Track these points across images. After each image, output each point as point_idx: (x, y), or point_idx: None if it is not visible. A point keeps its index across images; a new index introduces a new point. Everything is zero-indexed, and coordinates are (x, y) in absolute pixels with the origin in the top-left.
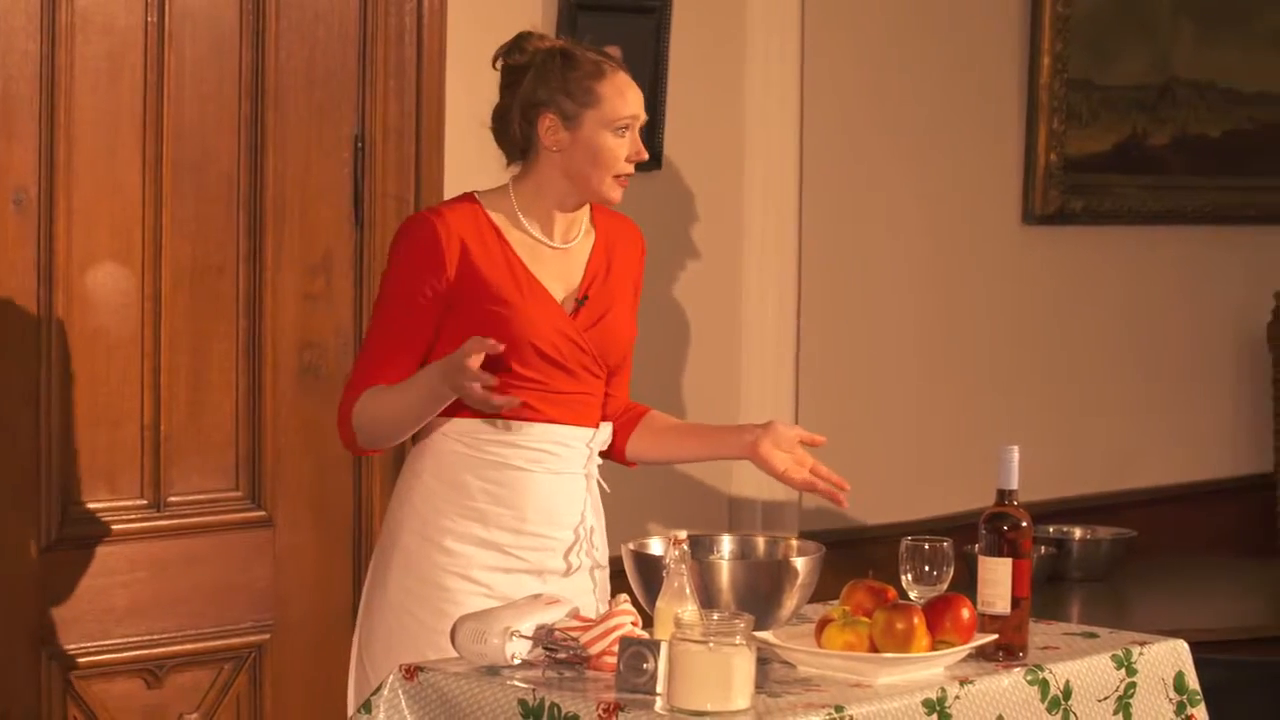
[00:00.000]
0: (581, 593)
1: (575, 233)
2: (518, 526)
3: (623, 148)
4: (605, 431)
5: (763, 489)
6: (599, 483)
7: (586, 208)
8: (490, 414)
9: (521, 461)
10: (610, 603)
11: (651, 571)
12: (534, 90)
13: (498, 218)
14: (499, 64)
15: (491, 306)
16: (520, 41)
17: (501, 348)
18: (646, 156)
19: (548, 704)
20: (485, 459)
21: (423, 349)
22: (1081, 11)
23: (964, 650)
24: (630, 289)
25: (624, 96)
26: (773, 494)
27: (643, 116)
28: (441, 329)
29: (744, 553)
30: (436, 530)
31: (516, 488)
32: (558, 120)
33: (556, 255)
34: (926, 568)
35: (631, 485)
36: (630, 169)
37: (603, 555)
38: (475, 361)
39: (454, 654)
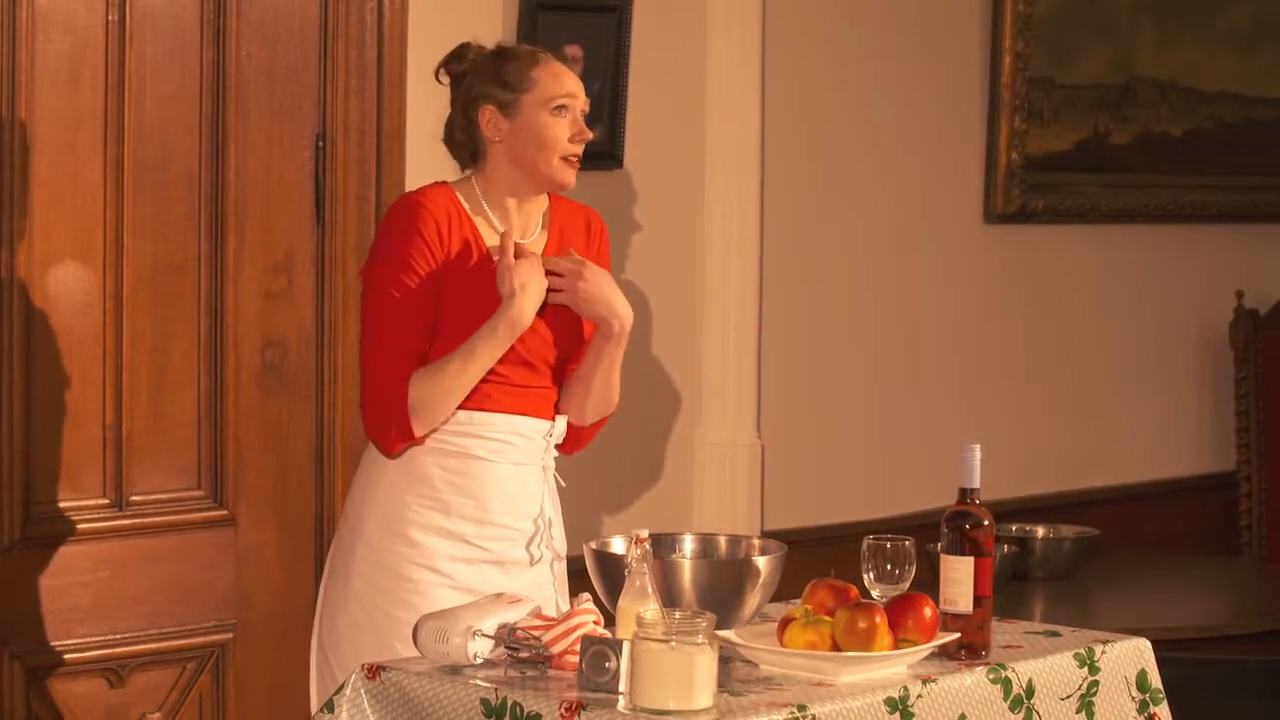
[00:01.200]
0: (543, 585)
1: (533, 229)
2: (480, 516)
3: (563, 127)
4: (561, 424)
5: (725, 486)
6: (555, 476)
7: (545, 204)
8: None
9: (483, 452)
10: (572, 601)
11: (613, 570)
12: (470, 88)
13: (467, 205)
14: (441, 76)
15: (460, 297)
16: (459, 51)
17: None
18: (590, 136)
19: (510, 703)
20: (447, 449)
21: (430, 329)
22: (1043, 10)
23: (926, 649)
24: None
25: (558, 78)
26: (735, 491)
27: (581, 98)
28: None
29: (706, 551)
30: (400, 522)
31: (478, 477)
32: (496, 111)
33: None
34: (888, 566)
35: (593, 483)
36: (577, 149)
37: (561, 547)
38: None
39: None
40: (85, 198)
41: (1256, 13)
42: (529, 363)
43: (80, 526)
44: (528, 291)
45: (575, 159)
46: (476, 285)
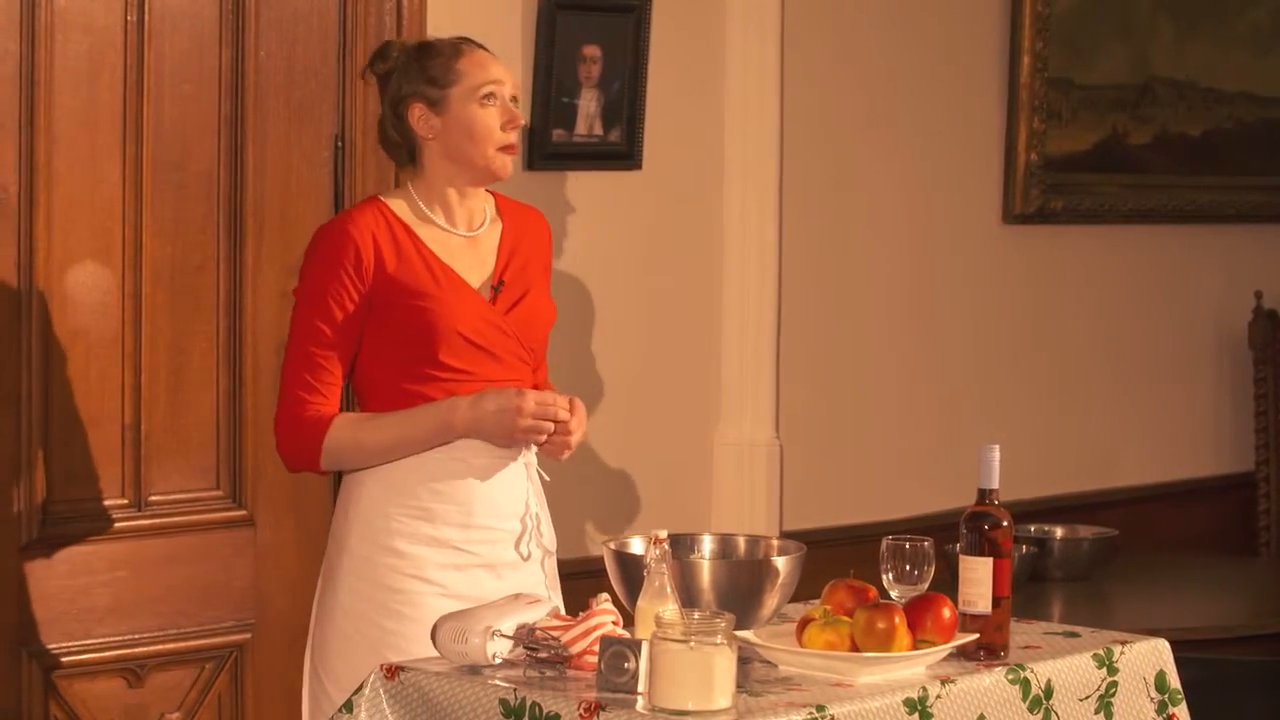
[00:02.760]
0: (535, 583)
1: (480, 220)
2: (465, 521)
3: (494, 116)
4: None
5: (744, 486)
6: (539, 472)
7: (488, 196)
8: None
9: (462, 455)
10: (591, 602)
11: (632, 570)
12: (399, 87)
13: (404, 214)
14: (367, 75)
15: (412, 301)
16: (383, 49)
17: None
18: (522, 121)
19: (529, 703)
20: (426, 457)
21: (352, 354)
22: (1062, 11)
23: (945, 649)
24: (542, 272)
25: (484, 67)
26: (754, 491)
27: (509, 83)
28: (364, 332)
29: (725, 552)
30: (385, 534)
31: (460, 482)
32: (425, 108)
33: (466, 244)
34: (907, 567)
35: (612, 483)
36: (511, 138)
37: (550, 543)
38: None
39: (423, 655)
40: (104, 198)
41: (1275, 13)
42: (494, 355)
43: (99, 526)
44: (514, 437)
45: (511, 148)
46: (421, 294)
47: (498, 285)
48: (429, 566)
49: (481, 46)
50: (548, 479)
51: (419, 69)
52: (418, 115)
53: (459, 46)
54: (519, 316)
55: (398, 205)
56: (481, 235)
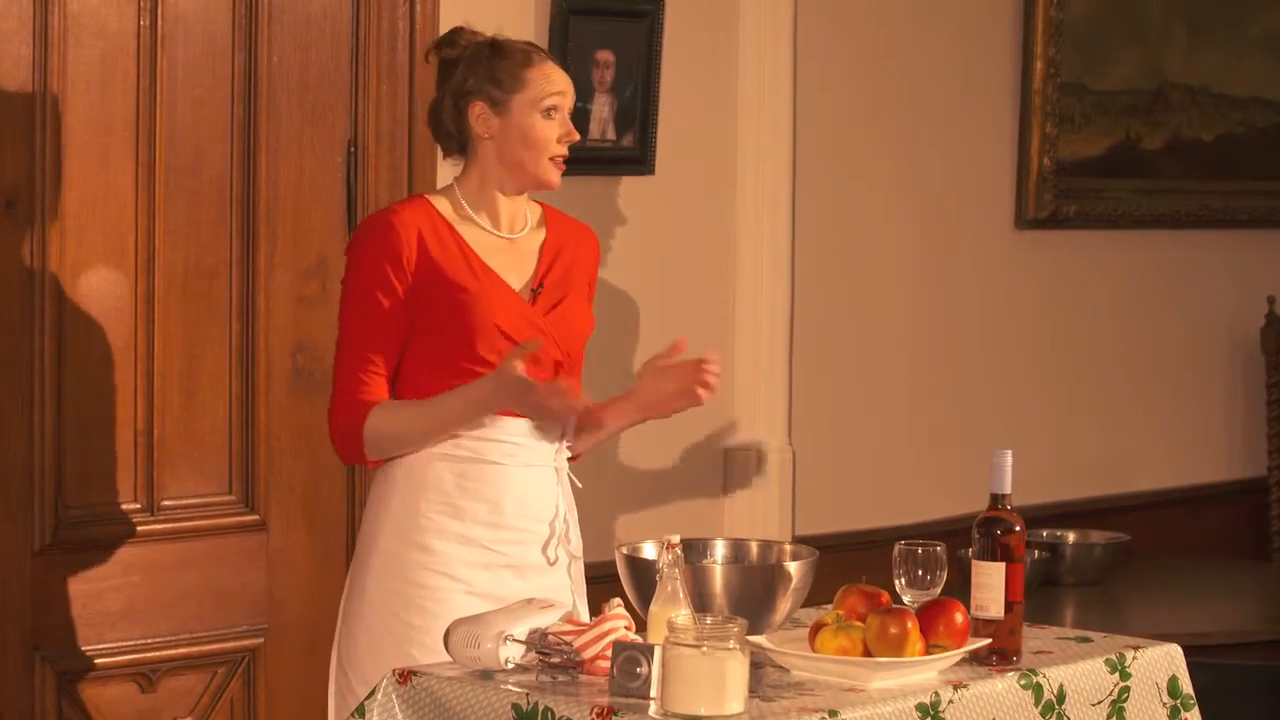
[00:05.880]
0: (560, 588)
1: (523, 223)
2: (495, 520)
3: (552, 129)
4: (570, 425)
5: (757, 491)
6: (570, 477)
7: (533, 203)
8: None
9: (496, 455)
10: (604, 607)
11: (645, 575)
12: (464, 81)
13: (448, 213)
14: (431, 58)
15: (452, 294)
16: (452, 36)
17: (540, 343)
18: (577, 137)
19: (541, 708)
20: (459, 454)
21: (399, 347)
22: (1074, 16)
23: (958, 654)
24: (584, 283)
25: (550, 79)
26: (767, 498)
27: (571, 98)
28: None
29: (737, 557)
30: (415, 530)
31: (492, 482)
32: (487, 108)
33: (507, 245)
34: (920, 572)
35: (625, 488)
36: (564, 150)
37: (578, 549)
38: (522, 369)
39: (440, 655)
40: (117, 202)
41: None
42: (536, 359)
43: (112, 531)
44: (542, 412)
45: (562, 160)
46: (460, 287)
47: (537, 288)
48: (456, 564)
49: (550, 57)
50: (580, 485)
51: (487, 68)
52: (478, 113)
53: (530, 54)
54: (557, 319)
55: (442, 204)
56: (523, 239)
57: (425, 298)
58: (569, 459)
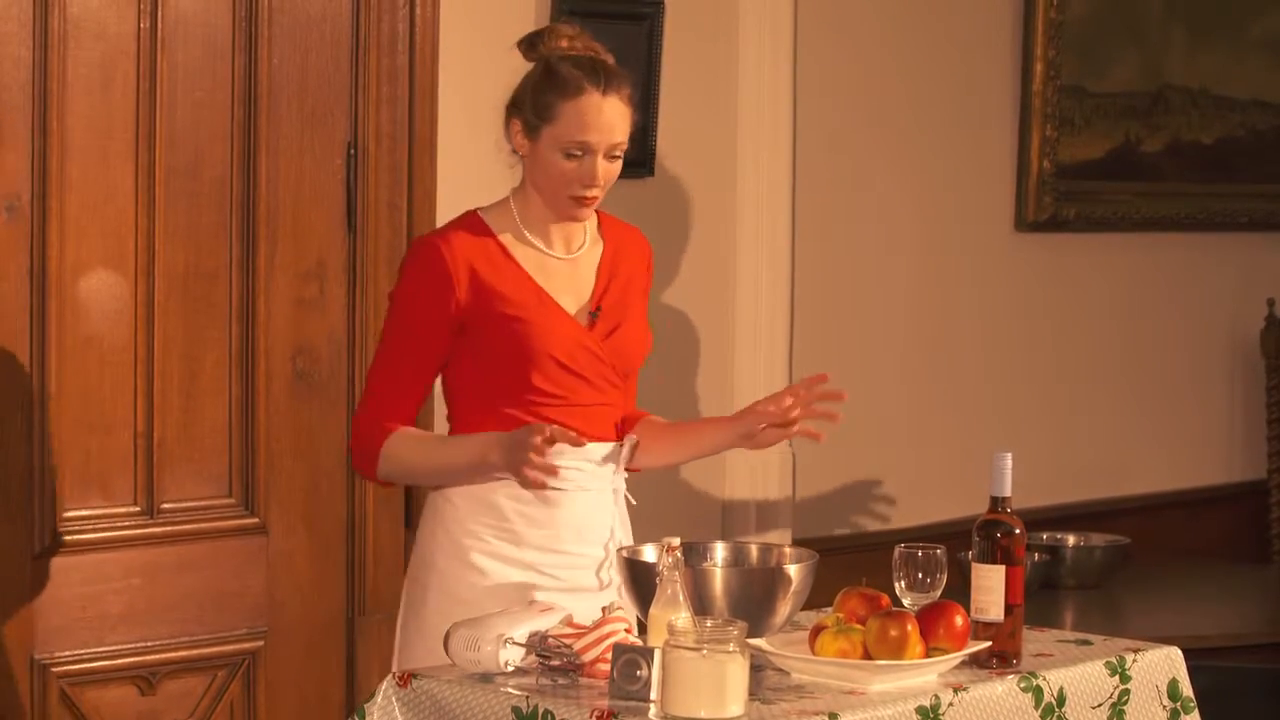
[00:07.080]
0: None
1: (579, 242)
2: (552, 546)
3: (573, 171)
4: (629, 445)
5: (756, 494)
6: (626, 496)
7: (592, 217)
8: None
9: (555, 482)
10: (603, 610)
11: (645, 578)
12: (518, 91)
13: (502, 235)
14: (522, 47)
15: (506, 324)
16: (536, 37)
17: (577, 438)
18: (595, 185)
19: (541, 711)
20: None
21: (434, 372)
22: (1074, 18)
23: (958, 657)
24: (641, 297)
25: (583, 119)
26: (766, 499)
27: (611, 137)
28: (459, 350)
29: (737, 559)
30: (470, 551)
31: (550, 508)
32: (522, 128)
33: (564, 266)
34: (920, 574)
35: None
36: (585, 193)
37: None
38: (544, 450)
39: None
40: (117, 205)
41: None
42: (587, 379)
43: (111, 534)
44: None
45: (585, 200)
46: (515, 317)
47: (595, 311)
48: (509, 586)
49: (608, 87)
50: (634, 503)
51: (533, 89)
52: (515, 130)
53: (580, 83)
54: (616, 343)
55: (495, 221)
56: (581, 257)
57: (479, 326)
58: (631, 470)
